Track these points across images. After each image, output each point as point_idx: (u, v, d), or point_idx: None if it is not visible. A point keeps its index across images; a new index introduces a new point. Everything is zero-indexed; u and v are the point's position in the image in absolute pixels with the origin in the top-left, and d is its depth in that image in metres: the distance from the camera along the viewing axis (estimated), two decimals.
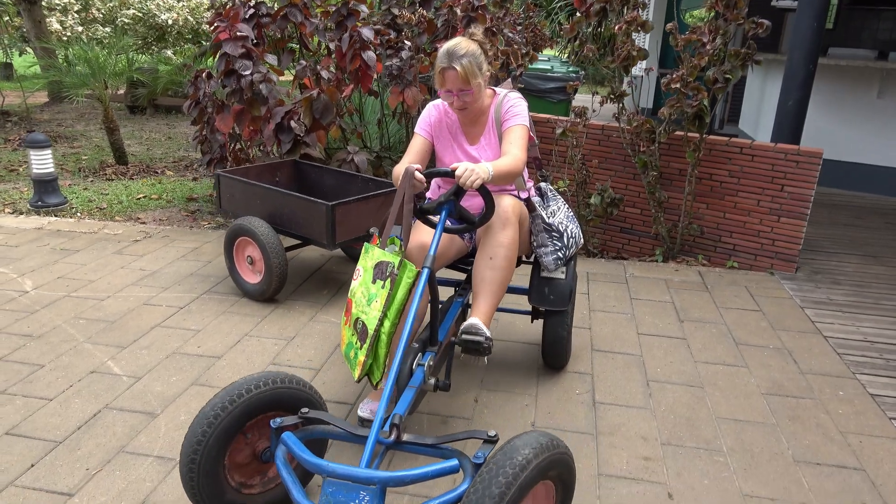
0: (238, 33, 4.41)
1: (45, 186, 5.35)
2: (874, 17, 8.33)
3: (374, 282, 2.19)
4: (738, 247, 4.50)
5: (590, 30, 4.59)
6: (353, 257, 4.27)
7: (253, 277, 3.61)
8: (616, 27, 4.28)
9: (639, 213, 4.78)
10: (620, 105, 4.56)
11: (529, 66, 5.81)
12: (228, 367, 2.93)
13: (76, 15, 13.49)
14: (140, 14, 12.76)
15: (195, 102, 4.94)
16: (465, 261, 2.80)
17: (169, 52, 13.24)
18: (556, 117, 4.96)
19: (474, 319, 2.33)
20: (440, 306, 2.69)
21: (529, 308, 3.00)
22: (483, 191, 2.29)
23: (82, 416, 2.54)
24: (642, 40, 10.68)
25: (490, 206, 2.33)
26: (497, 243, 2.42)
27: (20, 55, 14.46)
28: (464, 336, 2.29)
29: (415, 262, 2.42)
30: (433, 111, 2.68)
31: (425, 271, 2.14)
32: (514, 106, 2.58)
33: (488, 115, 2.61)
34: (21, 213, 5.26)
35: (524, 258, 2.87)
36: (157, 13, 12.59)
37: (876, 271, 4.47)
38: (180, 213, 5.45)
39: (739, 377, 2.99)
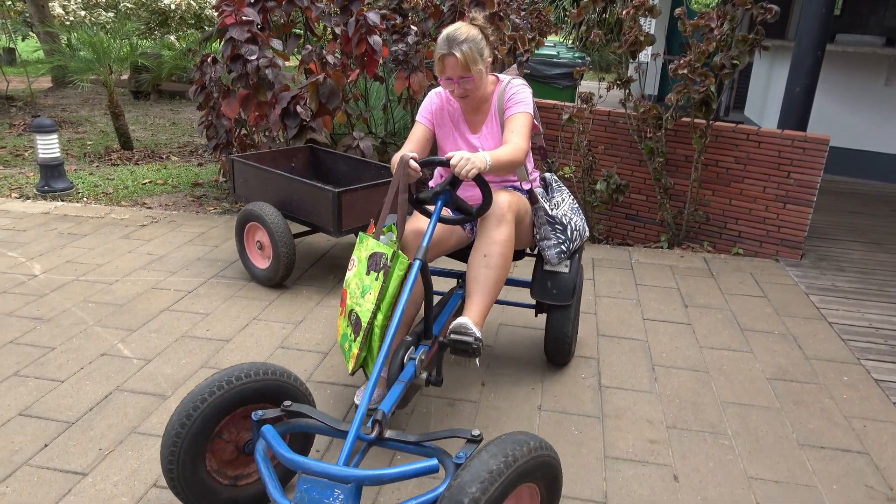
0: (244, 17, 4.39)
1: (51, 171, 5.36)
2: (882, 3, 8.27)
3: (368, 273, 2.17)
4: (743, 233, 4.50)
5: (595, 15, 4.57)
6: None
7: (262, 262, 3.63)
8: (624, 12, 4.26)
9: (644, 200, 4.78)
10: (627, 91, 4.55)
11: (535, 51, 5.78)
12: (237, 350, 2.95)
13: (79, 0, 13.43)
14: None
15: (201, 87, 4.94)
16: (465, 252, 2.74)
17: (172, 38, 13.20)
18: (563, 103, 4.95)
19: (464, 319, 2.21)
20: (441, 298, 2.69)
21: (534, 301, 2.96)
22: (480, 181, 2.21)
23: (94, 397, 2.57)
24: (649, 26, 10.62)
25: (487, 198, 2.26)
26: (492, 241, 2.33)
27: (23, 40, 14.43)
28: (452, 336, 2.19)
29: (410, 248, 2.38)
30: (435, 98, 2.61)
31: (416, 263, 2.08)
32: (517, 93, 2.50)
33: (491, 102, 2.54)
34: (28, 198, 5.28)
35: (528, 251, 2.82)
36: None
37: (881, 258, 4.47)
38: (186, 198, 5.46)
39: (744, 362, 3.01)
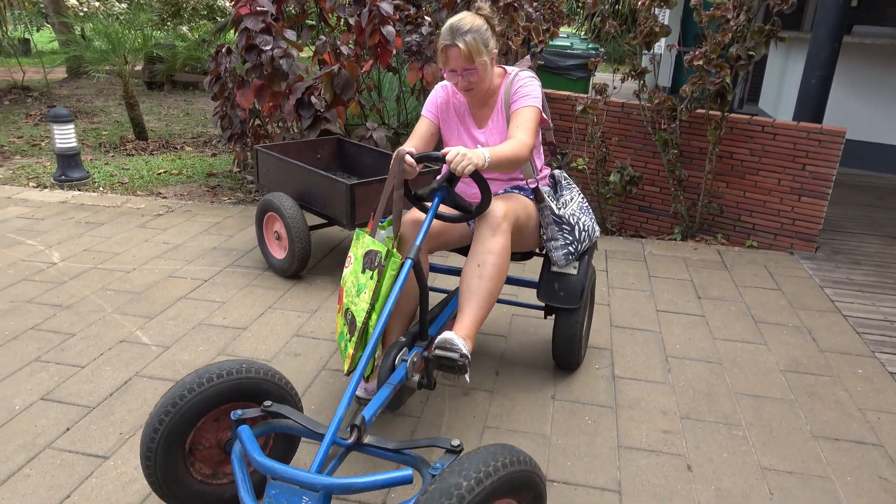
0: (258, 8, 4.41)
1: (68, 161, 5.41)
2: None
3: (363, 271, 2.11)
4: (757, 226, 4.48)
5: (609, 6, 4.55)
6: None
7: (279, 253, 3.65)
8: (639, 3, 4.24)
9: (658, 192, 4.77)
10: (641, 82, 4.53)
11: (549, 42, 5.77)
12: (253, 338, 2.99)
13: None
14: None
15: (216, 78, 4.96)
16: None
17: (184, 29, 13.25)
18: (576, 94, 4.94)
19: (449, 334, 2.06)
20: (444, 298, 2.65)
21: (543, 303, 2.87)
22: (478, 178, 2.13)
23: (114, 383, 2.61)
24: (663, 17, 10.55)
25: (486, 196, 2.18)
26: (486, 250, 2.22)
27: (38, 30, 14.55)
28: (436, 351, 2.04)
29: (408, 239, 2.31)
30: (440, 92, 2.52)
31: (408, 262, 2.03)
32: (523, 86, 2.39)
33: (498, 95, 2.44)
34: (45, 187, 5.33)
35: (537, 251, 2.73)
36: None
37: None
38: (200, 188, 5.50)
39: (758, 354, 3.01)
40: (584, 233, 2.56)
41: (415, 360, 2.12)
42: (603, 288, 3.67)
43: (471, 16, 2.28)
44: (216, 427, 1.89)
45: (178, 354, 2.83)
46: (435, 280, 3.69)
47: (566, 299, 2.53)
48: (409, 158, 2.15)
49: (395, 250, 2.13)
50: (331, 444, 1.68)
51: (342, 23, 5.52)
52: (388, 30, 4.40)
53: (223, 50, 4.91)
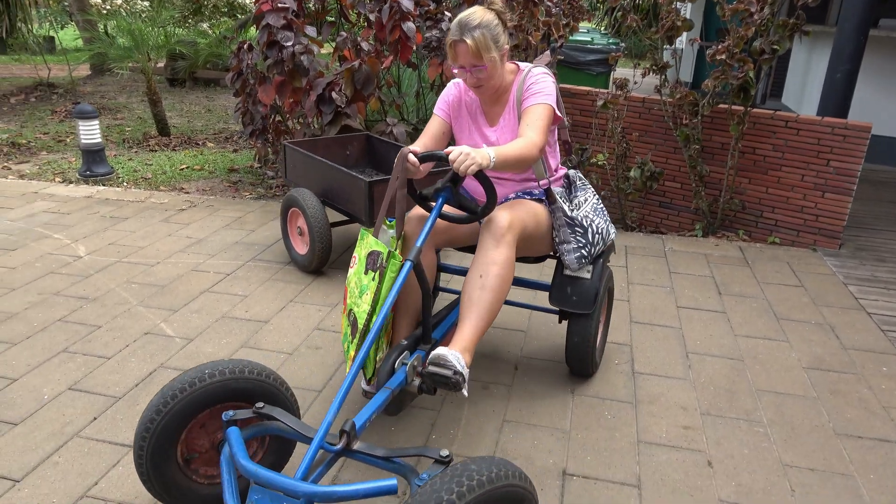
0: (280, 4, 4.44)
1: (93, 156, 5.50)
2: None
3: (366, 272, 2.09)
4: (780, 222, 4.44)
5: (628, 1, 4.53)
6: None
7: (302, 248, 3.68)
8: None
9: (679, 188, 4.74)
10: (663, 77, 4.50)
11: (569, 37, 5.74)
12: (275, 330, 3.02)
13: None
14: None
15: (238, 74, 5.01)
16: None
17: (205, 26, 13.37)
18: (597, 89, 4.92)
19: (443, 350, 1.98)
20: (453, 301, 2.60)
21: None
22: (482, 179, 2.08)
23: (139, 374, 2.66)
24: (685, 11, 10.45)
25: (491, 197, 2.12)
26: (489, 261, 2.14)
27: (62, 28, 14.75)
28: (430, 367, 1.97)
29: (411, 237, 2.27)
30: (452, 89, 2.46)
31: (407, 264, 1.99)
32: (536, 82, 2.31)
33: (510, 92, 2.37)
34: (71, 183, 5.42)
35: (551, 255, 2.63)
36: None
37: None
38: (222, 183, 5.57)
39: (780, 351, 2.99)
40: (597, 235, 2.47)
41: (415, 364, 2.07)
42: (622, 284, 3.65)
43: (481, 10, 2.22)
44: (211, 427, 1.89)
45: (202, 346, 2.87)
46: (450, 282, 3.70)
47: (579, 304, 2.44)
48: (411, 157, 2.10)
49: (396, 252, 2.10)
50: (318, 450, 1.64)
51: (362, 19, 5.54)
52: (409, 26, 4.41)
53: (245, 46, 4.95)
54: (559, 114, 2.35)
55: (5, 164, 6.06)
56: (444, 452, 1.61)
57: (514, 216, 2.21)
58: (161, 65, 10.72)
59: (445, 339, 2.38)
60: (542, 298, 3.48)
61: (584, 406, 2.54)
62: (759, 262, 4.03)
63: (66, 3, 12.88)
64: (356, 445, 1.71)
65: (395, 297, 1.94)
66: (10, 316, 3.10)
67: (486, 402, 2.54)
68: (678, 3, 4.25)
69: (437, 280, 2.93)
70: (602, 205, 2.60)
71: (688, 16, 10.09)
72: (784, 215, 4.41)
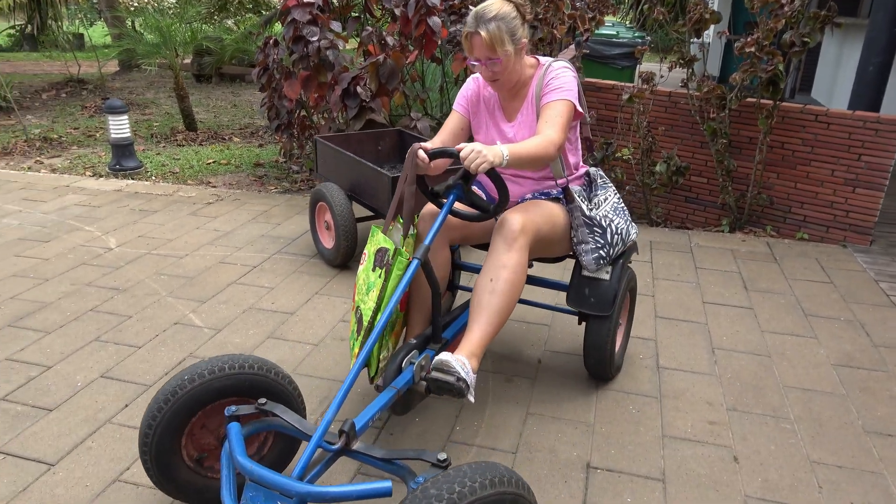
0: (305, 0, 4.48)
1: (122, 151, 5.60)
2: None
3: (374, 269, 2.06)
4: (809, 218, 4.37)
5: None
6: None
7: (328, 242, 3.71)
8: None
9: (705, 182, 4.69)
10: (690, 70, 4.46)
11: (595, 31, 5.71)
12: (301, 322, 3.06)
13: None
14: None
15: (264, 69, 5.06)
16: None
17: (230, 22, 13.50)
18: (622, 83, 4.88)
19: (446, 356, 1.94)
20: (467, 300, 2.53)
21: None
22: (494, 177, 2.03)
23: (169, 362, 2.71)
24: (713, 3, 10.31)
25: (503, 196, 2.07)
26: (500, 264, 2.09)
27: (91, 25, 15.02)
28: (433, 374, 1.93)
29: (423, 232, 2.25)
30: (472, 84, 2.41)
31: (413, 263, 1.94)
32: (556, 77, 2.23)
33: (529, 87, 2.31)
34: (101, 176, 5.53)
35: (570, 255, 2.55)
36: None
37: None
38: (248, 177, 5.63)
39: (808, 348, 2.95)
40: (616, 236, 2.39)
41: (423, 364, 2.03)
42: (647, 279, 3.63)
43: (499, 2, 2.15)
44: (216, 422, 1.90)
45: (230, 337, 2.92)
46: (470, 280, 3.70)
47: (596, 306, 2.38)
48: (421, 154, 2.06)
49: (403, 249, 2.07)
50: (315, 448, 1.63)
51: (386, 14, 5.56)
52: (434, 20, 4.42)
53: (271, 42, 5.00)
54: (580, 109, 2.27)
55: (38, 158, 6.19)
56: (442, 456, 1.58)
57: (527, 219, 2.15)
58: (188, 61, 10.86)
59: (457, 340, 2.35)
60: (563, 298, 3.47)
61: (608, 400, 2.53)
62: (787, 258, 3.98)
63: (95, 1, 13.10)
64: (355, 445, 1.70)
65: (401, 295, 1.90)
66: (44, 305, 3.17)
67: (510, 395, 2.55)
68: None
69: (453, 278, 2.89)
70: (623, 204, 2.53)
71: (716, 8, 9.96)
72: (813, 211, 4.35)
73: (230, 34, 11.12)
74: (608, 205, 2.44)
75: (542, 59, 2.34)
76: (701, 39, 4.41)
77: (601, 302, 2.38)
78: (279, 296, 3.32)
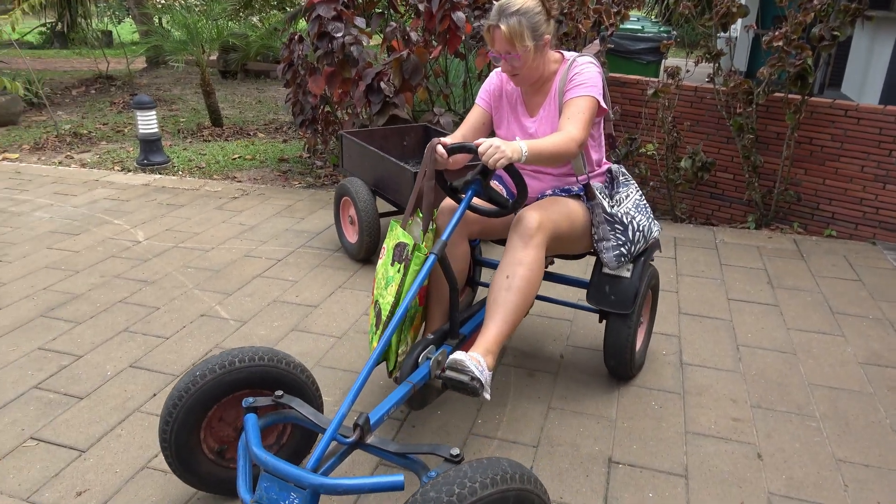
0: None
1: (150, 146, 5.69)
2: None
3: (392, 264, 2.07)
4: (837, 215, 4.31)
5: None
6: None
7: (352, 236, 3.74)
8: None
9: (731, 179, 4.64)
10: (716, 65, 4.41)
11: (620, 26, 5.67)
12: (324, 315, 3.09)
13: None
14: None
15: (289, 65, 5.11)
16: None
17: (255, 19, 13.62)
18: (647, 78, 4.84)
19: (461, 355, 1.93)
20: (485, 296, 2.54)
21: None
22: (512, 173, 2.02)
23: (196, 353, 2.76)
24: None
25: (522, 192, 2.06)
26: (516, 261, 2.08)
27: (119, 23, 15.26)
28: (447, 373, 1.92)
29: (442, 227, 2.26)
30: (494, 79, 2.38)
31: (430, 258, 1.94)
32: (579, 73, 2.20)
33: (552, 83, 2.27)
34: (129, 171, 5.62)
35: (591, 252, 2.54)
36: None
37: None
38: (273, 172, 5.69)
39: (835, 345, 2.91)
40: (638, 233, 2.36)
41: (440, 359, 2.03)
42: (671, 275, 3.61)
43: None
44: (234, 414, 1.92)
45: (255, 329, 2.96)
46: (491, 277, 3.70)
47: (617, 304, 2.35)
48: (440, 149, 2.05)
49: (422, 244, 2.08)
50: (330, 441, 1.64)
51: (410, 10, 5.57)
52: (459, 15, 4.42)
53: (295, 38, 5.04)
54: (604, 105, 2.24)
55: (68, 153, 6.32)
56: (455, 451, 1.58)
57: (544, 216, 2.13)
58: (214, 57, 10.99)
59: (475, 336, 2.35)
60: (584, 295, 3.45)
61: (631, 395, 2.52)
62: (814, 255, 3.92)
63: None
64: (369, 439, 1.71)
65: (418, 289, 1.90)
66: (75, 297, 3.24)
67: (532, 390, 2.55)
68: None
69: (473, 274, 2.89)
70: (645, 201, 2.49)
71: (743, 1, 9.81)
72: (842, 207, 4.28)
73: (255, 31, 11.23)
74: (630, 201, 2.41)
75: (567, 54, 2.31)
76: (728, 33, 4.35)
77: (622, 300, 2.36)
78: (303, 289, 3.36)
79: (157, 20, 11.91)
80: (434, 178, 2.13)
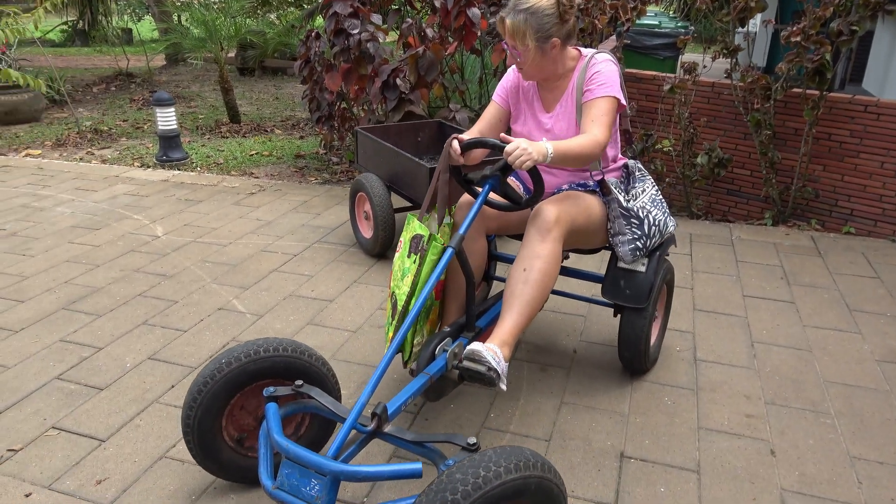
0: None
1: (169, 142, 5.76)
2: None
3: (409, 255, 2.09)
4: (856, 211, 4.26)
5: None
6: None
7: (367, 231, 3.77)
8: None
9: (748, 175, 4.61)
10: (734, 60, 4.37)
11: (636, 21, 5.64)
12: (340, 309, 3.12)
13: None
14: None
15: (306, 62, 5.14)
16: None
17: (273, 16, 13.70)
18: (664, 74, 4.82)
19: (479, 346, 1.95)
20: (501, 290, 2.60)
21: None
22: (533, 173, 2.04)
23: (213, 346, 2.80)
24: None
25: (539, 190, 2.08)
26: (534, 254, 2.09)
27: (139, 20, 15.42)
28: (464, 363, 1.96)
29: (460, 220, 2.27)
30: (511, 75, 2.39)
31: (448, 251, 1.96)
32: (600, 72, 2.20)
33: (570, 79, 2.27)
34: (148, 167, 5.70)
35: (606, 247, 2.54)
36: None
37: None
38: (289, 168, 5.74)
39: (852, 343, 2.89)
40: (654, 227, 2.37)
41: (456, 351, 2.06)
42: (686, 272, 3.60)
43: None
44: (254, 403, 1.96)
45: (271, 322, 3.00)
46: (506, 271, 3.71)
47: (632, 298, 2.36)
48: (455, 145, 2.07)
49: (438, 235, 2.10)
50: (350, 429, 1.67)
51: (426, 6, 5.58)
52: (474, 12, 4.43)
53: (312, 35, 5.08)
54: (623, 102, 2.26)
55: (89, 149, 6.42)
56: (472, 440, 1.60)
57: (561, 211, 2.15)
58: (232, 54, 11.08)
59: (490, 329, 2.37)
60: (599, 290, 3.45)
61: (643, 391, 2.53)
62: (832, 252, 3.89)
63: None
64: (387, 428, 1.74)
65: (435, 282, 1.93)
66: (95, 290, 3.30)
67: (545, 384, 2.56)
68: None
69: (488, 268, 2.91)
70: (661, 196, 2.50)
71: None
72: (861, 204, 4.24)
73: (273, 28, 11.29)
74: (646, 196, 2.42)
75: (584, 51, 2.32)
76: (745, 28, 4.32)
77: (637, 294, 2.36)
78: (319, 283, 3.39)
79: (176, 18, 12.02)
80: (448, 172, 2.14)
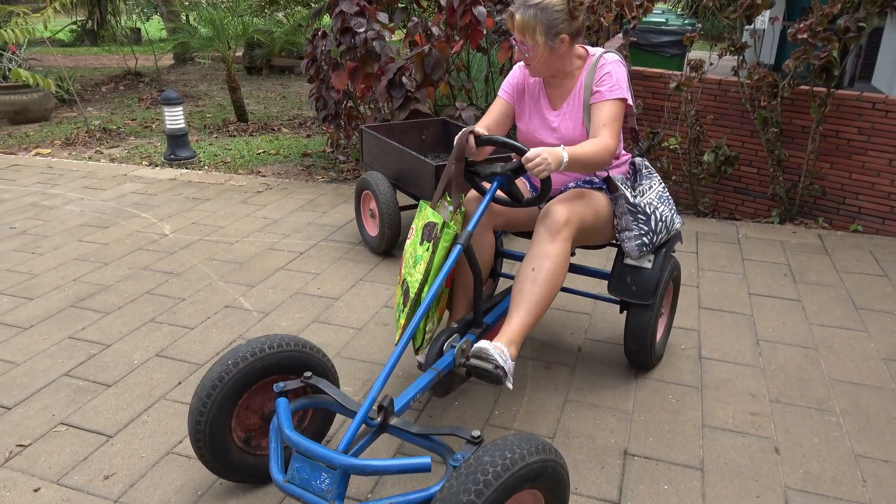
0: None
1: (177, 141, 5.80)
2: None
3: (421, 243, 2.10)
4: (863, 209, 4.24)
5: None
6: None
7: (373, 230, 3.78)
8: None
9: (755, 173, 4.59)
10: (740, 58, 4.36)
11: (643, 18, 5.63)
12: (345, 307, 3.14)
13: None
14: None
15: (312, 60, 5.16)
16: None
17: (280, 15, 13.73)
18: (670, 71, 4.81)
19: (486, 343, 1.97)
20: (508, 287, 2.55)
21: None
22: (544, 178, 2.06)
23: (220, 343, 2.82)
24: None
25: (546, 189, 2.10)
26: (542, 254, 2.10)
27: (147, 20, 15.50)
28: (471, 360, 1.97)
29: (469, 213, 2.28)
30: (517, 71, 2.39)
31: (456, 248, 1.98)
32: (609, 73, 2.20)
33: (578, 78, 2.28)
34: (156, 166, 5.74)
35: (613, 242, 2.56)
36: None
37: None
38: (296, 167, 5.76)
39: (858, 341, 2.88)
40: (661, 223, 2.37)
41: (464, 347, 2.07)
42: (692, 269, 3.59)
43: None
44: (259, 402, 1.98)
45: (277, 320, 3.01)
46: (513, 267, 3.72)
47: (638, 294, 2.36)
48: (471, 140, 2.09)
49: (451, 223, 2.11)
50: (360, 424, 1.69)
51: (433, 5, 5.59)
52: (480, 10, 4.43)
53: (319, 34, 5.09)
54: (630, 102, 2.26)
55: (98, 148, 6.46)
56: (476, 433, 1.62)
57: (571, 211, 2.16)
58: (239, 53, 11.12)
59: (498, 325, 2.38)
60: (605, 287, 3.45)
61: (648, 389, 2.53)
62: (839, 250, 3.87)
63: None
64: (393, 421, 1.75)
65: (447, 273, 1.96)
66: (103, 288, 3.33)
67: (549, 381, 2.57)
68: None
69: (495, 265, 2.92)
70: (668, 193, 2.50)
71: None
72: (869, 202, 4.21)
73: (280, 27, 11.33)
74: (653, 192, 2.42)
75: (591, 50, 2.31)
76: (752, 26, 4.30)
77: (643, 290, 2.37)
78: (325, 281, 3.41)
79: (184, 17, 12.07)
80: (463, 161, 2.16)
